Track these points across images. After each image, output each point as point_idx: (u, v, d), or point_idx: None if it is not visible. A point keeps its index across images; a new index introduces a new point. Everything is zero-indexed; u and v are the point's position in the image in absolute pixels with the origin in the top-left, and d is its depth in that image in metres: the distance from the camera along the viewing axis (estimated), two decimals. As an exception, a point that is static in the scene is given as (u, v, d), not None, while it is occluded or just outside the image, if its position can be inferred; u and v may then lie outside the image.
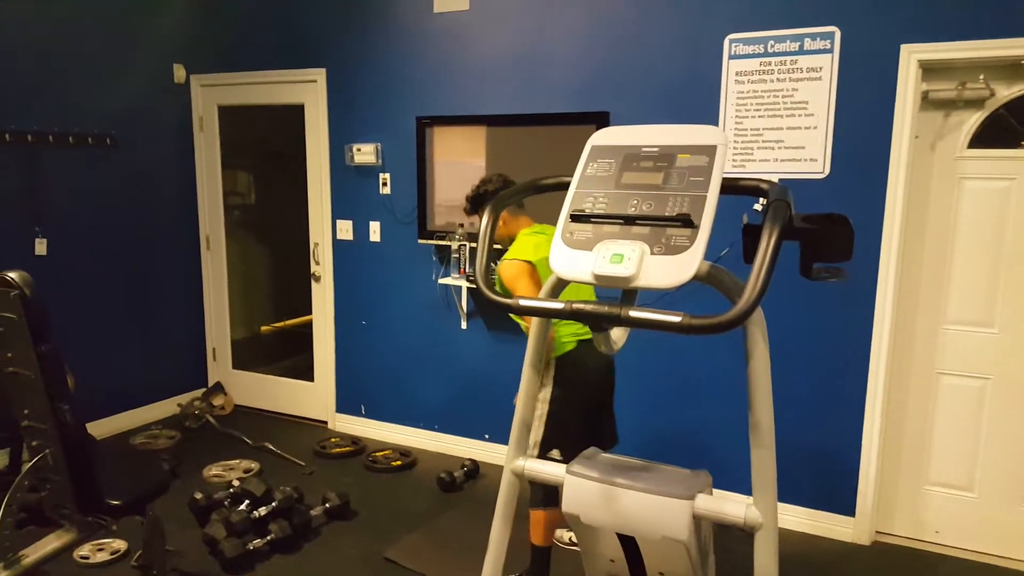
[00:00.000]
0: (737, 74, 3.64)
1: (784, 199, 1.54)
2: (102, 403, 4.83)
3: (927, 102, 3.38)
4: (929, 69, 3.32)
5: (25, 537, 2.80)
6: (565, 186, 1.81)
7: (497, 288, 2.99)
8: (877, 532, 3.69)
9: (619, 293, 1.62)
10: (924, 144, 3.43)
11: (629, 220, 1.65)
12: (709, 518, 1.80)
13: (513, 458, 2.03)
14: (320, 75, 4.74)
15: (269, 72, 4.93)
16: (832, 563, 3.47)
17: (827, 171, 3.51)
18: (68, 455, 2.63)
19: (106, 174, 4.73)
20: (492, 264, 3.19)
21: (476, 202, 3.15)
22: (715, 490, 3.50)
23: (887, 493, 3.68)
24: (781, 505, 3.71)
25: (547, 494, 2.84)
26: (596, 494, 1.88)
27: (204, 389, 5.49)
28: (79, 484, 2.67)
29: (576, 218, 1.70)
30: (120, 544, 3.40)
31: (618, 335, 1.80)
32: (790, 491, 3.75)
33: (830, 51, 3.44)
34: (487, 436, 4.50)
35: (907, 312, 3.54)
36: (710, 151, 1.70)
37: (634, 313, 1.53)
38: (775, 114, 3.59)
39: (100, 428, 4.77)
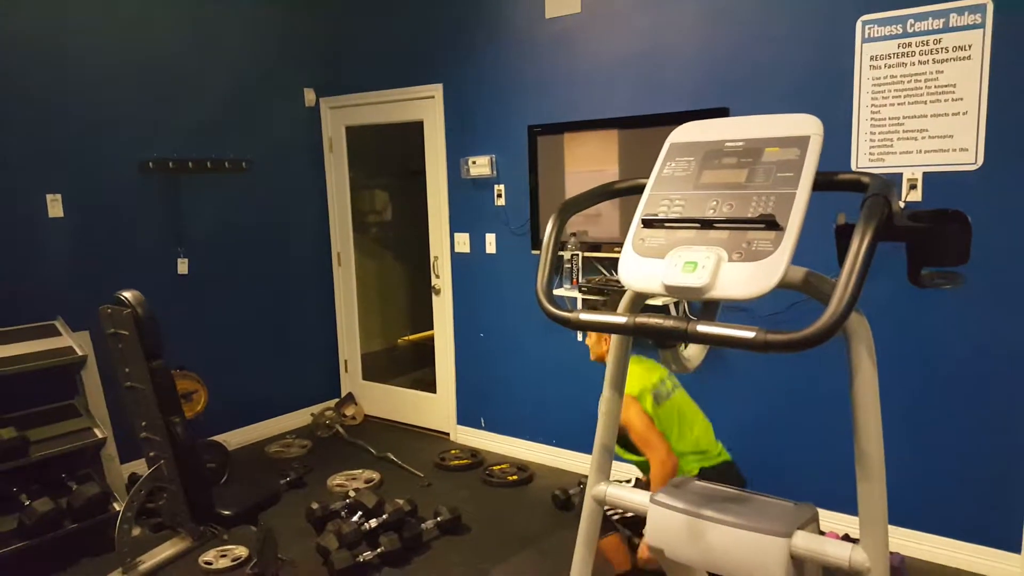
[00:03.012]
0: (872, 59, 3.30)
1: (882, 194, 1.31)
2: (240, 413, 5.10)
3: (1103, 76, 2.90)
4: (1105, 38, 2.86)
5: (155, 541, 2.96)
6: (641, 189, 1.66)
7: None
8: (1051, 574, 3.21)
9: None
10: (1101, 125, 2.94)
11: (706, 224, 1.48)
12: (809, 559, 1.57)
13: (595, 484, 1.89)
14: (437, 91, 4.79)
15: (390, 91, 5.05)
16: (996, 609, 3.04)
17: (980, 161, 3.10)
18: (180, 466, 2.74)
19: (242, 196, 5.02)
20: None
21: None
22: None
23: (1064, 531, 3.18)
24: (931, 536, 3.34)
25: (605, 521, 2.70)
26: (682, 527, 1.70)
27: (336, 400, 5.68)
28: (191, 494, 2.78)
29: (648, 223, 1.55)
30: (242, 551, 3.53)
31: (692, 353, 1.62)
32: (945, 521, 3.34)
33: (981, 26, 3.04)
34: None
35: (1085, 321, 3.05)
36: (802, 143, 1.50)
37: (702, 328, 1.36)
38: (917, 100, 3.22)
39: (238, 437, 5.04)
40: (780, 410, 3.71)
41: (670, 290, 1.44)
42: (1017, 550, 3.19)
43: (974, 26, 3.05)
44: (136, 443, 2.93)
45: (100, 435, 3.81)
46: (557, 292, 4.28)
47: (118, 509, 3.67)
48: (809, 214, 1.39)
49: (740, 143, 1.57)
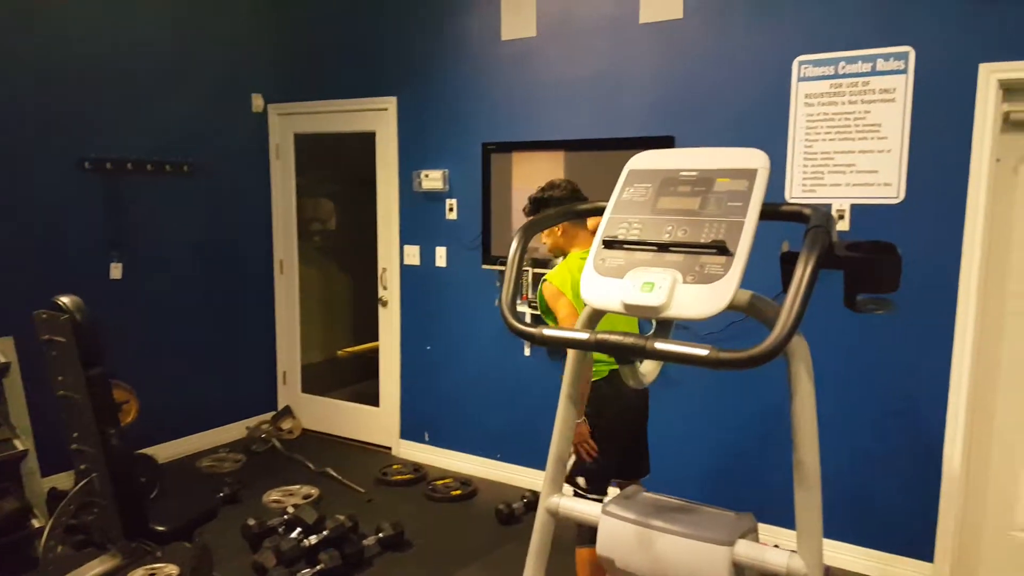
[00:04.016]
0: (807, 96, 3.50)
1: (823, 226, 1.43)
2: (172, 425, 4.96)
3: (1008, 123, 3.15)
4: (1010, 89, 3.11)
5: (79, 559, 2.85)
6: (601, 212, 1.75)
7: (539, 304, 2.95)
8: (959, 581, 3.42)
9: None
10: (1006, 167, 3.20)
11: (662, 247, 1.58)
12: (749, 566, 1.67)
13: (548, 495, 1.96)
14: (391, 103, 4.83)
15: (343, 101, 5.05)
16: (911, 617, 3.22)
17: (902, 196, 3.32)
18: (114, 480, 2.65)
19: (182, 200, 4.91)
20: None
21: (538, 205, 2.99)
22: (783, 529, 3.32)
23: (969, 539, 3.39)
24: (851, 547, 3.53)
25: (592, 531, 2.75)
26: (631, 537, 1.78)
27: (273, 413, 5.59)
28: (124, 509, 2.68)
29: (609, 244, 1.64)
30: (172, 570, 3.41)
31: (649, 368, 1.72)
32: (862, 533, 3.54)
33: (904, 71, 3.27)
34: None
35: (990, 345, 3.29)
36: (750, 175, 1.61)
37: (660, 345, 1.45)
38: (846, 137, 3.43)
39: (169, 450, 4.90)
40: (720, 427, 3.85)
41: (629, 308, 1.52)
42: (930, 559, 3.39)
43: (898, 71, 3.28)
44: (59, 456, 2.80)
45: (21, 447, 3.62)
46: (502, 308, 4.34)
47: (38, 525, 3.52)
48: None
49: (694, 173, 1.68)
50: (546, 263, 4.18)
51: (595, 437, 2.79)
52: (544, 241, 3.03)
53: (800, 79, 3.50)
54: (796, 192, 3.55)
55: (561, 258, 3.03)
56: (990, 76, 3.08)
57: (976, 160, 3.14)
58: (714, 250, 1.51)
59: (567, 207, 1.92)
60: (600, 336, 1.52)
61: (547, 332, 1.60)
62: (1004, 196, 3.20)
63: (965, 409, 3.25)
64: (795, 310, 1.37)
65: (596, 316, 1.84)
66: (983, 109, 3.10)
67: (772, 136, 3.56)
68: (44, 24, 4.17)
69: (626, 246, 1.62)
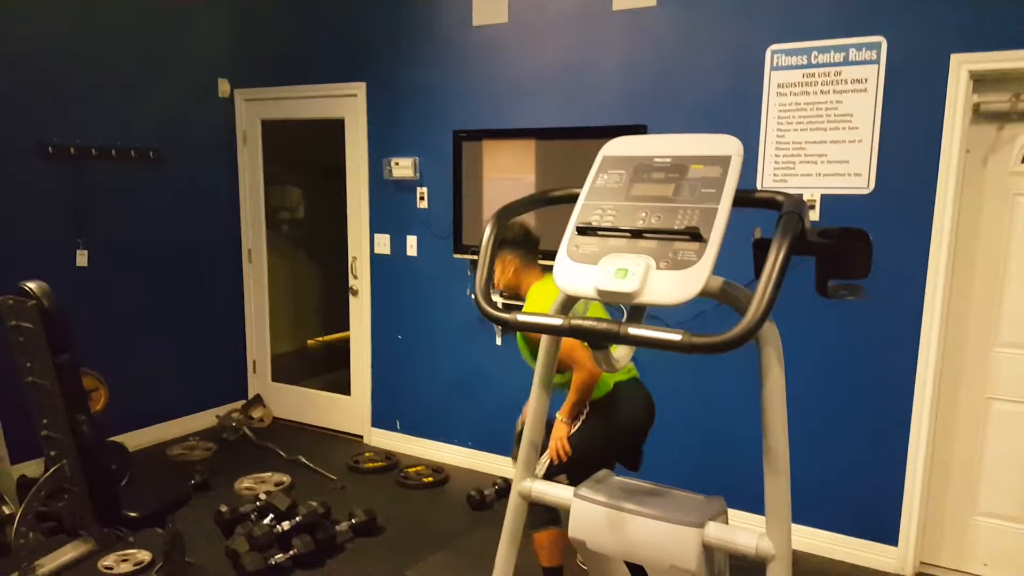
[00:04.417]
0: (779, 86, 3.53)
1: (796, 212, 1.45)
2: (141, 414, 4.91)
3: (978, 114, 3.21)
4: (980, 80, 3.16)
5: (50, 545, 2.83)
6: (575, 198, 1.75)
7: (520, 343, 2.95)
8: (922, 563, 3.50)
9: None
10: (975, 158, 3.25)
11: (636, 233, 1.58)
12: (719, 548, 1.69)
13: (521, 479, 1.96)
14: (360, 89, 4.78)
15: (311, 87, 4.99)
16: (875, 598, 3.29)
17: (872, 186, 3.37)
18: (85, 466, 2.63)
19: (148, 187, 4.84)
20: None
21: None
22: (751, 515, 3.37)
23: (933, 522, 3.48)
24: (819, 532, 3.60)
25: (548, 514, 2.78)
26: (603, 519, 1.80)
27: (243, 401, 5.55)
28: (96, 495, 2.67)
29: (582, 231, 1.64)
30: (145, 555, 3.42)
31: (621, 353, 1.72)
32: (829, 517, 3.60)
33: (876, 62, 3.30)
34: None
35: (956, 334, 3.36)
36: (724, 162, 1.62)
37: (633, 331, 1.46)
38: (818, 127, 3.46)
39: (139, 439, 4.85)
40: (689, 413, 3.89)
41: (602, 294, 1.53)
42: (895, 543, 3.47)
43: (870, 61, 3.32)
44: (27, 444, 2.78)
45: (-11, 435, 3.60)
46: (476, 296, 4.34)
47: (8, 512, 3.47)
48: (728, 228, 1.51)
49: (668, 159, 1.68)
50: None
51: (592, 442, 2.80)
52: (496, 279, 3.04)
53: (773, 68, 3.52)
54: (768, 182, 3.58)
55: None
56: (961, 67, 3.12)
57: (946, 151, 3.19)
58: (687, 236, 1.51)
59: (541, 193, 1.91)
60: (574, 322, 1.52)
61: (521, 317, 1.60)
62: (973, 186, 3.26)
63: (931, 395, 3.32)
64: (767, 296, 1.38)
65: (569, 303, 1.84)
66: (953, 100, 3.15)
67: (745, 125, 3.58)
68: (4, 7, 4.07)
69: (600, 232, 1.62)
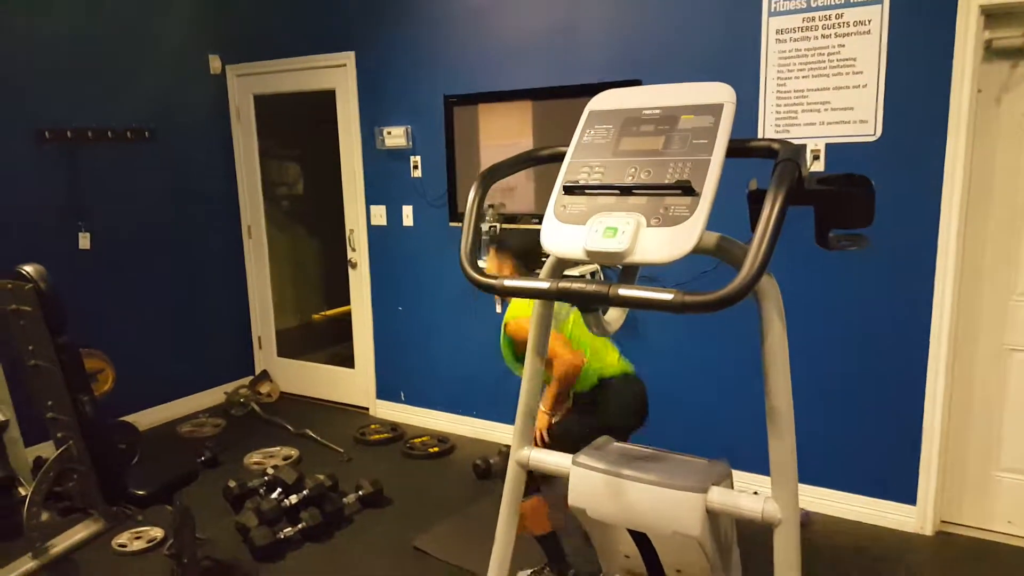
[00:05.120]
0: (778, 32, 3.40)
1: (792, 159, 1.36)
2: (151, 393, 4.91)
3: (991, 52, 3.07)
4: (992, 15, 3.02)
5: (65, 525, 2.83)
6: (562, 157, 1.67)
7: (504, 349, 2.87)
8: (942, 522, 3.44)
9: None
10: (988, 98, 3.12)
11: (625, 190, 1.50)
12: (723, 513, 1.64)
13: (518, 448, 1.91)
14: (349, 59, 4.67)
15: (300, 59, 4.89)
16: (892, 554, 3.24)
17: (879, 133, 3.25)
18: (89, 446, 2.63)
19: (146, 167, 4.78)
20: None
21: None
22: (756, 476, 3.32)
23: (953, 480, 3.41)
24: (835, 492, 3.53)
25: (529, 483, 2.73)
26: (602, 486, 1.75)
27: (251, 377, 5.54)
28: (102, 474, 2.68)
29: (569, 190, 1.56)
30: (157, 532, 3.43)
31: (613, 316, 1.66)
32: (845, 477, 3.53)
33: (879, 2, 3.17)
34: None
35: (972, 284, 3.26)
36: (716, 110, 1.53)
37: (623, 291, 1.39)
38: (820, 73, 3.34)
39: (148, 417, 4.86)
40: (691, 374, 3.83)
41: (591, 255, 1.46)
42: (913, 502, 3.41)
43: (873, 2, 3.18)
44: (42, 425, 2.79)
45: (2, 417, 3.60)
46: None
47: (24, 493, 3.49)
48: (723, 180, 1.43)
49: (657, 111, 1.60)
50: (515, 218, 4.06)
51: (580, 434, 2.74)
52: (487, 270, 2.96)
53: (771, 14, 3.39)
54: (769, 132, 3.47)
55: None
56: (971, 2, 2.98)
57: (956, 92, 3.06)
58: (679, 191, 1.43)
59: (527, 152, 1.83)
60: (563, 284, 1.45)
61: (508, 282, 1.53)
62: (986, 128, 3.14)
63: (947, 347, 3.24)
64: (763, 249, 1.30)
65: (559, 267, 1.77)
66: (963, 37, 3.01)
67: (743, 75, 3.46)
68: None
69: (588, 191, 1.54)
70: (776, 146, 1.49)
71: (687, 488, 1.65)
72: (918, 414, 3.33)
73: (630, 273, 1.63)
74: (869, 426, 3.45)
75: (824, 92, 3.34)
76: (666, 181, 1.46)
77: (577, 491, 1.79)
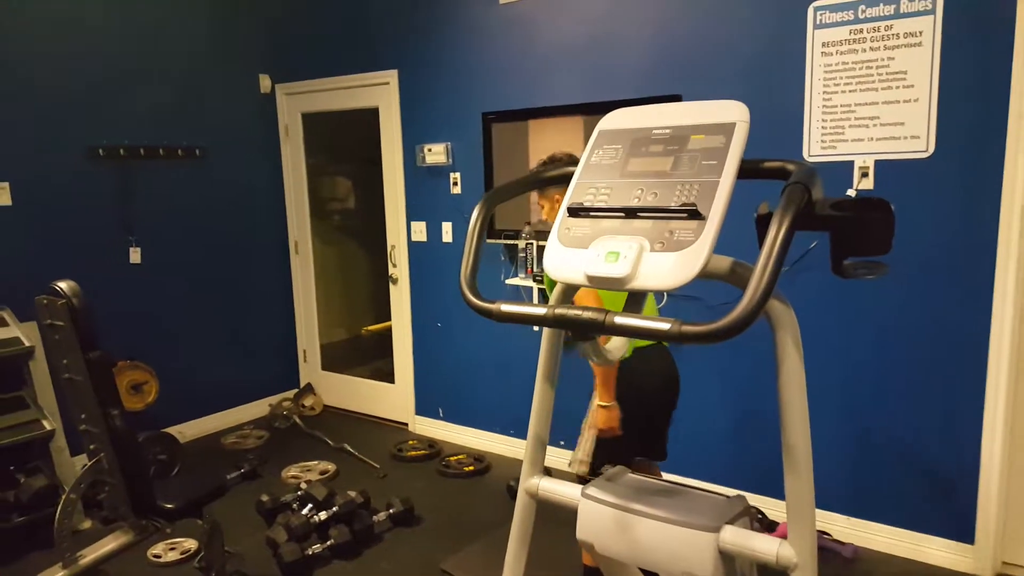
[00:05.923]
0: (824, 45, 3.27)
1: (801, 182, 1.28)
2: (197, 404, 5.02)
3: (1051, 63, 2.89)
4: (1053, 23, 2.84)
5: (98, 534, 2.89)
6: (569, 177, 1.62)
7: (546, 286, 2.79)
8: (1004, 563, 3.21)
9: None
10: (1049, 110, 2.94)
11: (630, 213, 1.44)
12: (736, 554, 1.55)
13: (528, 477, 1.86)
14: (392, 76, 4.71)
15: (346, 77, 4.95)
16: (944, 595, 3.05)
17: (931, 149, 3.09)
18: (120, 458, 2.68)
19: (196, 184, 4.91)
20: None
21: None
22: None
23: (1016, 517, 3.19)
24: (885, 527, 3.35)
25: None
26: (611, 521, 1.67)
27: (295, 390, 5.60)
28: (131, 487, 2.72)
29: (574, 212, 1.51)
30: (191, 544, 3.47)
31: (615, 345, 1.59)
32: (895, 510, 3.34)
33: (931, 12, 3.02)
34: (562, 443, 4.29)
35: (1032, 308, 3.06)
36: (727, 130, 1.46)
37: (619, 320, 1.32)
38: (869, 87, 3.20)
39: (194, 428, 4.96)
40: (733, 398, 3.70)
41: (592, 280, 1.40)
42: (970, 540, 3.20)
43: (925, 12, 3.03)
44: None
45: (49, 427, 3.73)
46: (512, 282, 4.23)
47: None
48: (741, 203, 1.35)
49: (667, 131, 1.53)
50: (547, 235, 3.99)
51: (636, 404, 2.63)
52: (544, 216, 2.87)
53: (816, 27, 3.27)
54: (815, 150, 3.34)
55: None
56: (1029, 6, 2.82)
57: (1016, 106, 2.89)
58: (684, 214, 1.37)
59: (533, 174, 1.79)
60: (558, 311, 1.40)
61: (504, 307, 1.49)
62: (1043, 144, 2.95)
63: (1007, 372, 3.03)
64: (767, 276, 1.22)
65: (570, 291, 1.71)
66: (1023, 47, 2.84)
67: (788, 90, 3.35)
68: (52, 13, 4.17)
69: (592, 213, 1.49)
70: (791, 167, 1.41)
71: (698, 527, 1.57)
72: (975, 443, 3.13)
73: (636, 299, 1.57)
74: (922, 456, 3.26)
75: (873, 107, 3.20)
76: (672, 204, 1.40)
77: (585, 525, 1.72)
